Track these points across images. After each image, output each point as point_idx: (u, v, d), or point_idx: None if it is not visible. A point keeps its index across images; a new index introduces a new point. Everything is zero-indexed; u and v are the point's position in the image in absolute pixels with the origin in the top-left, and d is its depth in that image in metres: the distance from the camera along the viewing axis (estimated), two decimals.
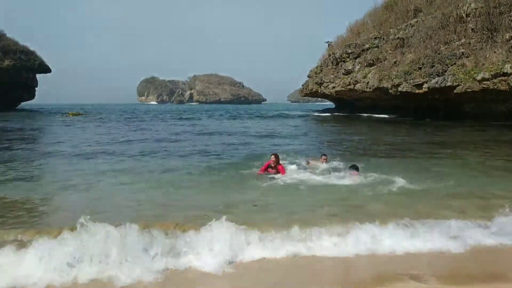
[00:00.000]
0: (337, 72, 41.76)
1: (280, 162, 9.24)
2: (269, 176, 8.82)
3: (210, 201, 6.87)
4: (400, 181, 7.79)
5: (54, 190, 7.79)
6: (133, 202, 6.90)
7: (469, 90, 25.17)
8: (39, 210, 6.51)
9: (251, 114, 51.22)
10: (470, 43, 26.62)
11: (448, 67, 26.84)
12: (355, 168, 8.79)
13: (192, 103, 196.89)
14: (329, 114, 45.11)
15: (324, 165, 9.89)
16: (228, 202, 6.66)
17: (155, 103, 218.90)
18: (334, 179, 8.32)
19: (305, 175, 8.75)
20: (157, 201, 6.91)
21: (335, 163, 10.11)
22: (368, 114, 38.98)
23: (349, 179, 8.30)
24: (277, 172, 8.92)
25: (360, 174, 8.61)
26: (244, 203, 6.67)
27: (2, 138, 18.80)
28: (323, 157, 10.30)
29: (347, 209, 6.24)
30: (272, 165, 9.01)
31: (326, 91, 43.93)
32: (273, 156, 9.08)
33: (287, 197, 7.21)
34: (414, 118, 31.33)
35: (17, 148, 14.75)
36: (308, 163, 10.36)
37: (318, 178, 8.45)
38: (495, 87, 23.32)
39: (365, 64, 37.15)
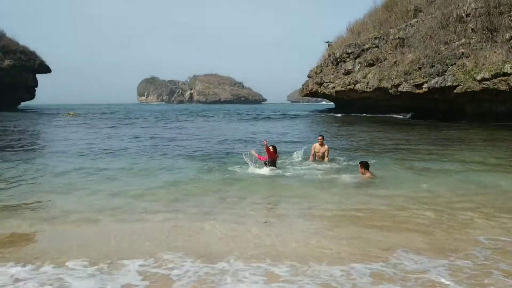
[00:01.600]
0: (337, 72, 41.75)
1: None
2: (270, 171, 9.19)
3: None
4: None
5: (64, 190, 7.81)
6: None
7: (469, 90, 25.14)
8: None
9: (252, 114, 51.09)
10: (470, 43, 26.59)
11: (448, 67, 26.82)
12: (365, 165, 8.51)
13: (192, 103, 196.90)
14: (340, 115, 41.78)
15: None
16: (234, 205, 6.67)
17: (163, 103, 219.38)
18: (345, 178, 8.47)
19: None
20: (162, 206, 6.77)
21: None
22: (384, 114, 36.99)
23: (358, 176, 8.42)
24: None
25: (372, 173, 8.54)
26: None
27: (8, 139, 18.77)
28: (320, 138, 10.80)
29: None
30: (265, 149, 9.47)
31: (326, 91, 43.92)
32: (271, 147, 9.46)
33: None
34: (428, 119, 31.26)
35: (24, 149, 14.75)
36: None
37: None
38: (495, 87, 23.30)
39: (365, 64, 37.14)
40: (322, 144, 10.64)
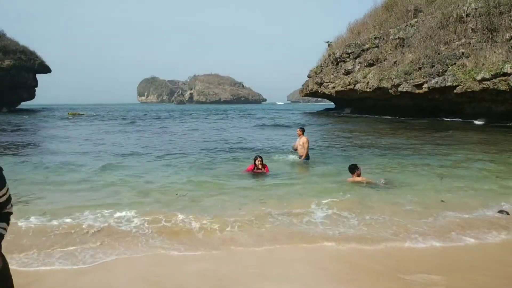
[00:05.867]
0: (337, 72, 41.77)
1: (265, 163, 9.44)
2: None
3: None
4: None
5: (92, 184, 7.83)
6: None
7: (469, 90, 25.16)
8: None
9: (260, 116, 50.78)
10: (470, 43, 26.61)
11: (448, 67, 26.84)
12: (354, 168, 8.18)
13: (192, 103, 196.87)
14: (355, 115, 38.62)
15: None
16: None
17: (171, 103, 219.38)
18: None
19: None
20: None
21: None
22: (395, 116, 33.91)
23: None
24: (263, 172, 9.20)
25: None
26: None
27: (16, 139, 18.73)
28: (299, 130, 10.82)
29: None
30: (259, 167, 9.14)
31: (326, 91, 43.95)
32: (259, 159, 9.18)
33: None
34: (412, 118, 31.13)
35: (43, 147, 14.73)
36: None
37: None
38: (495, 87, 23.30)
39: (365, 64, 37.15)
40: (300, 136, 10.73)
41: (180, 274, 4.05)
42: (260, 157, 9.32)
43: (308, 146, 10.64)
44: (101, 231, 5.27)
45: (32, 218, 5.67)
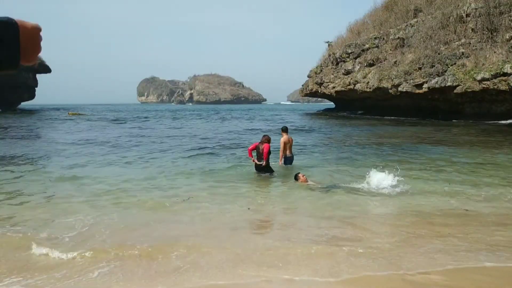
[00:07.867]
0: (337, 72, 41.79)
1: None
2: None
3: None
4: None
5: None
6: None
7: (469, 90, 25.19)
8: None
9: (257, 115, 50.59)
10: (470, 43, 26.63)
11: (448, 67, 26.86)
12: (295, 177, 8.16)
13: (192, 103, 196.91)
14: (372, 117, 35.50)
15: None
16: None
17: (173, 104, 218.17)
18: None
19: None
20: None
21: None
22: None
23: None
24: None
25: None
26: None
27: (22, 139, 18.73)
28: (283, 133, 10.16)
29: None
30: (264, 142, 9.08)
31: (326, 91, 43.97)
32: (266, 136, 9.23)
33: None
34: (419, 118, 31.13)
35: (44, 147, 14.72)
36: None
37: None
38: (495, 87, 23.33)
39: (365, 64, 37.17)
40: (283, 136, 10.15)
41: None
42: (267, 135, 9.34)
43: (282, 148, 9.95)
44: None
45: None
